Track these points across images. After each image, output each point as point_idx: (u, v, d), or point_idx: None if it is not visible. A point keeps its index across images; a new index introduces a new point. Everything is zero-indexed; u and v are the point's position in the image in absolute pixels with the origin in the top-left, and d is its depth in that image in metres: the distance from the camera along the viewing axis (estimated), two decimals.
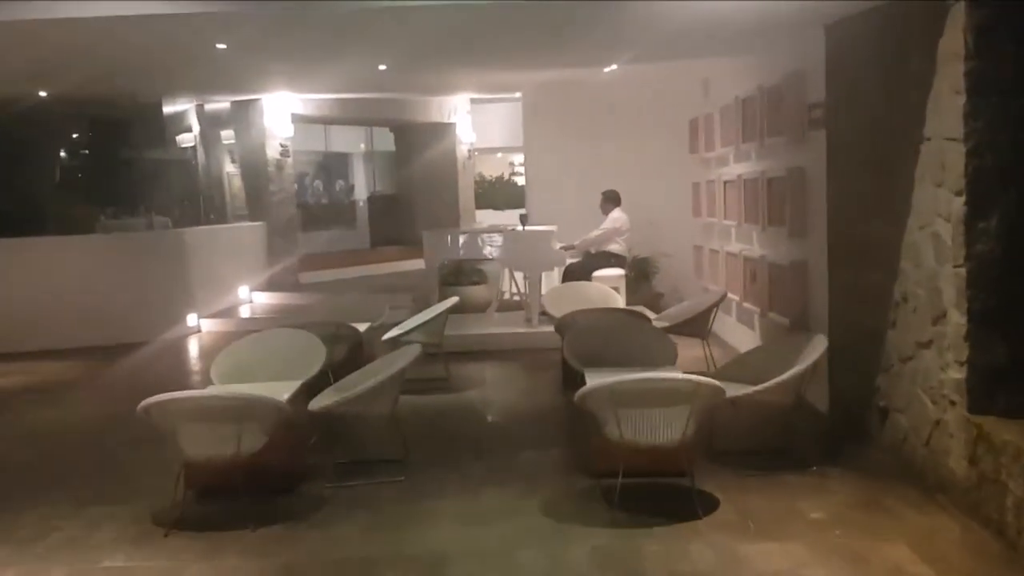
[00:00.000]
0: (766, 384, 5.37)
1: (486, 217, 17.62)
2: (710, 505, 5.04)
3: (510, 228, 10.82)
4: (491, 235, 10.65)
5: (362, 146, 20.25)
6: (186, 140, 15.23)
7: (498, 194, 19.44)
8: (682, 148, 11.23)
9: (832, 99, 6.56)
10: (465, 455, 6.26)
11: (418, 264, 15.50)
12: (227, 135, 14.86)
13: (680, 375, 4.86)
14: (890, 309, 5.65)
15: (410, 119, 16.26)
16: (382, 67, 9.11)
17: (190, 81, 11.33)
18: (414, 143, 17.73)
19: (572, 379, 7.89)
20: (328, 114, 14.93)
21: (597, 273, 10.33)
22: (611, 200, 10.70)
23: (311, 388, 6.17)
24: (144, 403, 4.88)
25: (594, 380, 5.58)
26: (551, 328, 9.82)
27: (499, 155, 20.11)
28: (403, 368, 5.67)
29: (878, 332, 5.84)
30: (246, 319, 12.40)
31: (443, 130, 16.90)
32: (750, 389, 5.40)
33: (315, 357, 6.49)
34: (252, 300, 13.50)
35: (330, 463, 6.04)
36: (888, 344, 5.71)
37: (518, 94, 13.98)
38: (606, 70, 10.05)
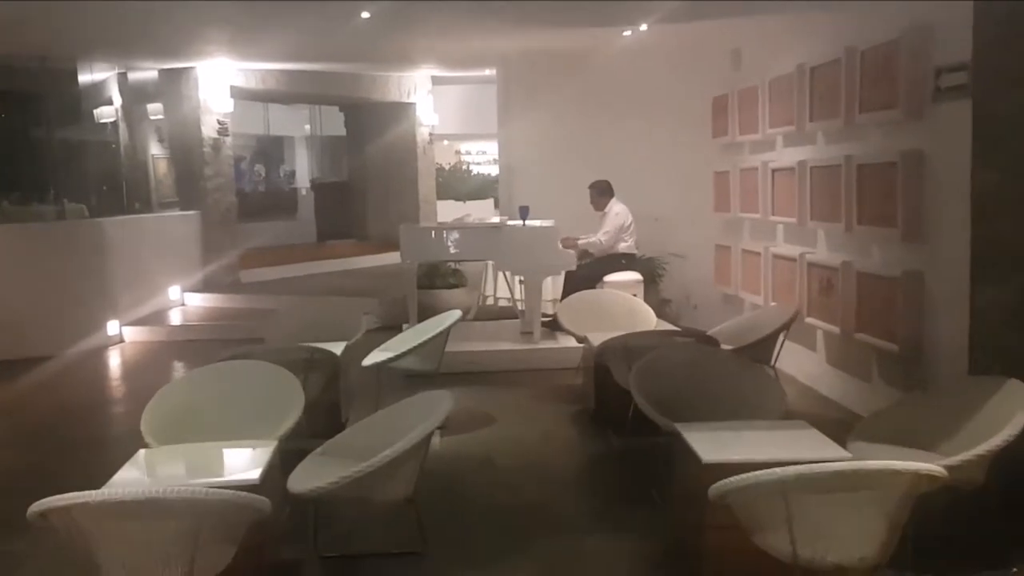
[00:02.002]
0: (962, 457, 3.75)
1: (447, 209, 15.80)
2: None
3: (505, 222, 9.03)
4: (483, 230, 8.84)
5: (307, 127, 18.25)
6: (105, 115, 13.12)
7: (461, 184, 17.57)
8: (699, 131, 9.58)
9: (981, 59, 4.95)
10: (503, 545, 4.45)
11: (374, 261, 13.88)
12: (154, 110, 12.83)
13: (899, 463, 3.13)
14: None
15: (364, 97, 14.34)
16: (365, 15, 7.25)
17: (110, 36, 9.29)
18: (368, 125, 15.80)
19: (609, 416, 6.19)
20: (273, 88, 12.97)
21: (609, 278, 8.68)
22: (605, 192, 9.09)
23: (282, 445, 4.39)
24: (38, 506, 3.03)
25: (706, 445, 3.89)
26: (557, 344, 8.24)
27: (445, 143, 18.17)
28: (432, 431, 3.90)
29: None
30: (178, 326, 10.62)
31: (401, 111, 15.02)
32: (936, 465, 3.75)
33: (289, 401, 4.68)
34: (185, 303, 11.53)
35: (313, 558, 4.26)
36: None
37: (488, 71, 12.25)
38: (625, 33, 8.36)
